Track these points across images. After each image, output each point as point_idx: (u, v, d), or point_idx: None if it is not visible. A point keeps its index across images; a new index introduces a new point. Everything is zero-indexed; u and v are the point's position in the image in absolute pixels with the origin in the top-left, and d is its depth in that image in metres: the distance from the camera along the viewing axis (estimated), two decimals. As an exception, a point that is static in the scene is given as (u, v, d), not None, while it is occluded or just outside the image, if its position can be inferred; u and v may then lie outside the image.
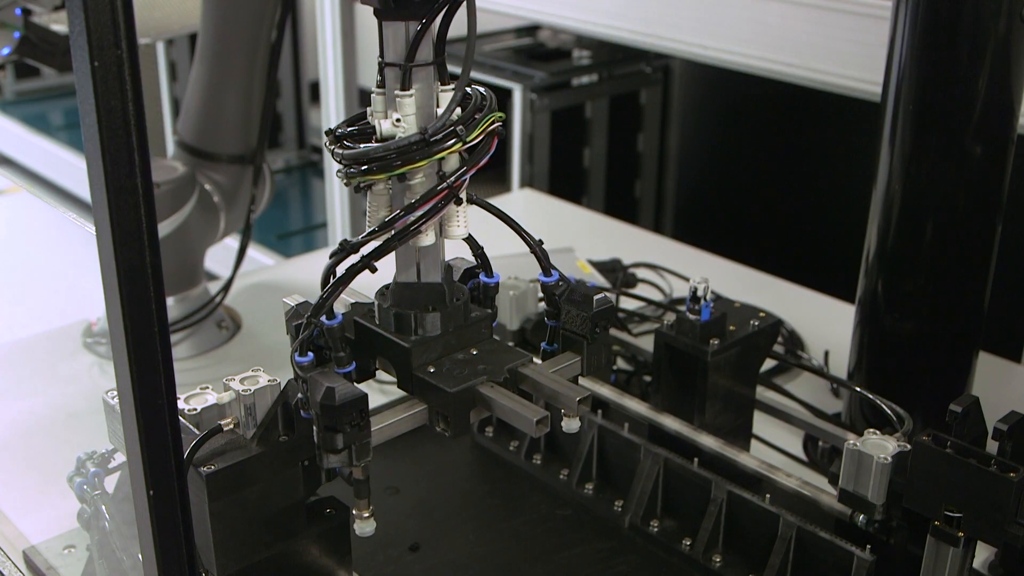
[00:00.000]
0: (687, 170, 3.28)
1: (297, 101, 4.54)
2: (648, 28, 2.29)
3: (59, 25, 1.47)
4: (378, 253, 0.84)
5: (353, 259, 0.85)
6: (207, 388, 0.95)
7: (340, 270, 0.85)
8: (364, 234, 0.84)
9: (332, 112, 3.05)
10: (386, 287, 0.91)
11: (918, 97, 1.16)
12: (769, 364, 1.34)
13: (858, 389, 1.22)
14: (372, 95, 0.85)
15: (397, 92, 0.83)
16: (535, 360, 0.93)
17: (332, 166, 3.47)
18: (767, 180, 3.02)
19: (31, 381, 1.48)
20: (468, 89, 0.85)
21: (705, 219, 3.26)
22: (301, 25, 4.40)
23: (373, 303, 0.91)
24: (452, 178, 0.84)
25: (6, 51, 1.40)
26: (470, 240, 0.92)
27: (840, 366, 1.41)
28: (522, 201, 2.32)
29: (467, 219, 0.89)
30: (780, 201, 2.99)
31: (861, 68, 1.93)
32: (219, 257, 1.93)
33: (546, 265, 0.93)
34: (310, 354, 0.84)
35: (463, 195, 0.87)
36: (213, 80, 1.55)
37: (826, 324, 1.61)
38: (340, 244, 0.85)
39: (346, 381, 0.82)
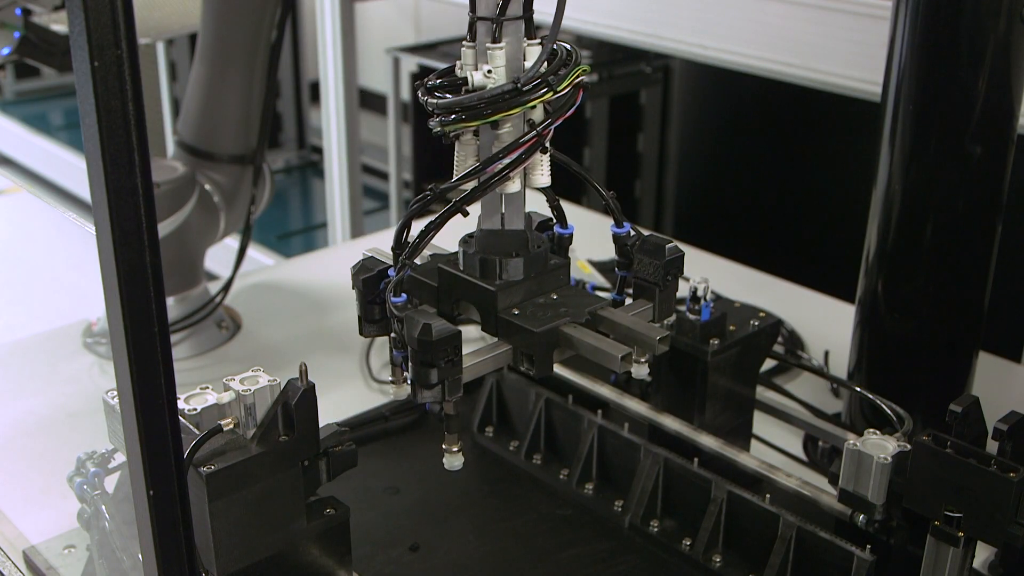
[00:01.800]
0: (687, 170, 3.28)
1: (297, 101, 4.54)
2: (648, 28, 2.29)
3: (59, 25, 1.47)
4: (469, 198, 0.88)
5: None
6: (207, 388, 0.95)
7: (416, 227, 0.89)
8: (453, 180, 0.88)
9: (332, 112, 3.05)
10: (469, 235, 0.95)
11: (918, 97, 1.16)
12: (769, 364, 1.34)
13: (858, 389, 1.22)
14: (463, 49, 0.90)
15: (488, 45, 0.88)
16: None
17: (332, 166, 3.43)
18: (767, 180, 3.01)
19: (31, 381, 1.48)
20: (554, 45, 0.89)
21: (705, 219, 3.26)
22: (301, 25, 4.40)
23: (457, 252, 0.95)
24: (541, 126, 0.88)
25: (6, 51, 1.40)
26: (546, 191, 0.96)
27: (840, 366, 1.41)
28: (522, 201, 2.31)
29: (549, 168, 0.93)
30: (780, 201, 2.99)
31: (861, 68, 1.93)
32: (219, 257, 1.93)
33: (618, 217, 0.97)
34: (403, 295, 0.88)
35: (547, 144, 0.91)
36: (213, 80, 1.55)
37: (826, 324, 1.61)
38: (429, 189, 0.89)
39: (441, 319, 0.85)
